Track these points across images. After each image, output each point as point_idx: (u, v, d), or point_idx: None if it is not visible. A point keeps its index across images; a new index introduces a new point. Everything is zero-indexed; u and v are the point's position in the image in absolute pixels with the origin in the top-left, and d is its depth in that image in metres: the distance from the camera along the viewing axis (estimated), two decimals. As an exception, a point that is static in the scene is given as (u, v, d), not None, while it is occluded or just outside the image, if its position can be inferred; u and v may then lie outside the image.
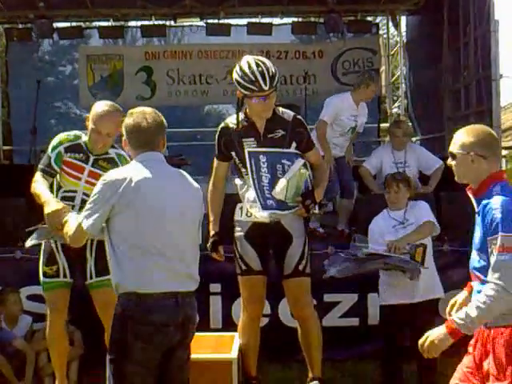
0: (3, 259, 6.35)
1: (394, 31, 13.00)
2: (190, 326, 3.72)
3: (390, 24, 12.53)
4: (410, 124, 11.26)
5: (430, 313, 5.56)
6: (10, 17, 11.77)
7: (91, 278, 4.78)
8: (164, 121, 3.85)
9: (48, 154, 4.84)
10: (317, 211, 5.15)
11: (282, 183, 4.77)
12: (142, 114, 3.79)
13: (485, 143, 3.41)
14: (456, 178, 3.49)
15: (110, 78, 12.11)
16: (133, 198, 3.59)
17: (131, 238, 3.60)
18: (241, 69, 4.80)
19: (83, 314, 4.95)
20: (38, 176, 4.80)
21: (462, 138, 3.44)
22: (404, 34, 12.60)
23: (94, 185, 4.66)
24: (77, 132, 4.94)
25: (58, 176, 4.84)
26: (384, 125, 12.78)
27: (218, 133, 5.02)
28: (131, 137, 3.79)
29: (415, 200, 5.99)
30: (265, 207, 4.77)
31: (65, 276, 4.79)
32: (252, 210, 4.85)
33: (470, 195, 3.50)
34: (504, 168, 8.84)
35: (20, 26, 11.87)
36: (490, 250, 3.32)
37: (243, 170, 4.91)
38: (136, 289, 3.58)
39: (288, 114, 4.94)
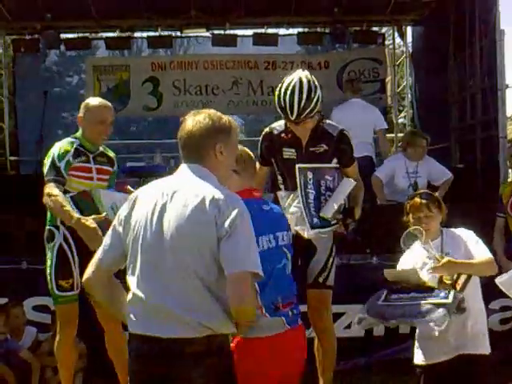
0: (9, 270, 6.36)
1: (400, 41, 13.01)
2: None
3: (396, 34, 12.54)
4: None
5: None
6: (18, 28, 11.84)
7: None
8: (222, 125, 3.28)
9: (55, 164, 4.81)
10: (352, 226, 5.03)
11: (332, 207, 4.75)
12: (188, 118, 3.28)
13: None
14: None
15: (117, 88, 12.15)
16: (128, 221, 3.17)
17: (129, 270, 3.16)
18: (278, 89, 4.75)
19: (85, 324, 4.94)
20: (52, 188, 4.67)
21: None
22: (410, 44, 12.61)
23: (103, 181, 4.86)
24: (68, 139, 4.94)
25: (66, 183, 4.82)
26: (390, 135, 12.78)
27: (261, 137, 5.02)
28: (180, 143, 3.28)
29: (449, 227, 4.67)
30: (312, 226, 4.75)
31: (77, 287, 4.77)
32: (296, 228, 4.75)
33: None
34: (510, 178, 8.79)
35: (27, 37, 11.91)
36: None
37: (279, 178, 4.92)
38: (129, 327, 3.15)
39: (334, 128, 4.88)
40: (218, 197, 3.07)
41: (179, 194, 3.12)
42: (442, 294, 4.23)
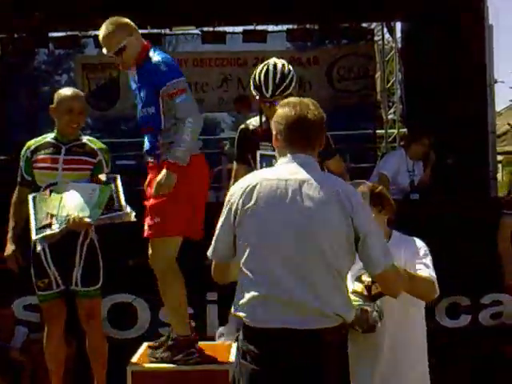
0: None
1: (389, 37, 13.03)
2: (313, 374, 2.99)
3: (385, 30, 12.56)
4: (406, 130, 11.29)
5: None
6: (6, 27, 11.77)
7: (76, 285, 4.75)
8: (324, 116, 3.21)
9: (19, 164, 4.88)
10: None
11: None
12: (305, 105, 3.14)
13: None
14: None
15: (106, 86, 12.13)
16: (246, 212, 3.05)
17: (243, 261, 3.07)
18: (254, 73, 4.79)
19: (76, 320, 4.94)
20: (14, 196, 4.87)
21: None
22: (399, 39, 12.63)
23: (72, 170, 4.75)
24: (44, 135, 4.95)
25: (35, 178, 4.80)
26: (380, 131, 12.81)
27: (237, 134, 5.00)
28: (289, 132, 3.13)
29: (399, 231, 3.97)
30: None
31: (58, 286, 4.75)
32: None
33: None
34: (499, 174, 8.83)
35: (16, 36, 11.87)
36: None
37: None
38: (246, 320, 3.07)
39: None
40: (350, 192, 3.09)
41: (309, 186, 3.04)
42: None
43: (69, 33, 12.18)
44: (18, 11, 10.92)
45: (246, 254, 3.05)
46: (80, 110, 4.82)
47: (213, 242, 3.20)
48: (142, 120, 4.55)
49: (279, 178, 3.06)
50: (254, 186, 3.07)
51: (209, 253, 3.22)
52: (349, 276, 3.81)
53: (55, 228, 4.55)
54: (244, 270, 3.06)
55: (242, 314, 3.07)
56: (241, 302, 3.07)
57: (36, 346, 5.79)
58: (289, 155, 3.13)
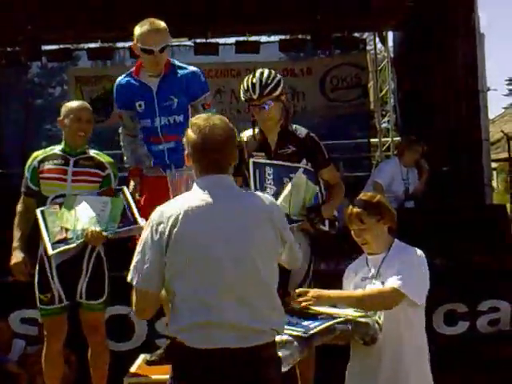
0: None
1: (381, 46, 13.08)
2: None
3: (377, 40, 12.61)
4: (400, 138, 11.31)
5: None
6: (-2, 40, 11.79)
7: (81, 297, 4.74)
8: (235, 132, 3.28)
9: (24, 174, 4.88)
10: (326, 228, 4.74)
11: (284, 193, 4.66)
12: (209, 126, 3.16)
13: None
14: None
15: (100, 99, 12.10)
16: (182, 239, 3.04)
17: (181, 288, 3.06)
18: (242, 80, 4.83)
19: (78, 335, 4.93)
20: (19, 206, 4.84)
21: None
22: (391, 49, 12.68)
23: (81, 182, 4.76)
24: (51, 146, 4.97)
25: (41, 188, 4.79)
26: (374, 140, 12.82)
27: None
28: (196, 155, 3.16)
29: (401, 239, 3.90)
30: None
31: (60, 301, 4.73)
32: None
33: None
34: (494, 181, 8.85)
35: (8, 49, 11.87)
36: None
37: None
38: (188, 343, 3.05)
39: (301, 130, 4.84)
40: (274, 207, 3.25)
41: (233, 207, 3.11)
42: (307, 325, 3.66)
43: (61, 46, 12.19)
44: (10, 24, 10.93)
45: (180, 280, 3.05)
46: (88, 119, 4.87)
47: (138, 270, 3.09)
48: (166, 128, 4.61)
49: (205, 202, 3.08)
50: (179, 214, 3.05)
51: (136, 282, 3.09)
52: (351, 286, 3.84)
53: (72, 242, 4.52)
54: (178, 296, 3.06)
55: (180, 338, 3.07)
56: (178, 327, 3.07)
57: (33, 358, 5.79)
58: (202, 177, 3.16)
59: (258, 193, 3.38)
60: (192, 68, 4.84)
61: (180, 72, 4.81)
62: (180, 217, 3.04)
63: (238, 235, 3.07)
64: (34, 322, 5.27)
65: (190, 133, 3.18)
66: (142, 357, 4.77)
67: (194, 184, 3.19)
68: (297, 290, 3.81)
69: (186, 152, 3.23)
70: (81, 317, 4.78)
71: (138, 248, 3.12)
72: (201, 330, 3.03)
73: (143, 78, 4.86)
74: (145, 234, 3.11)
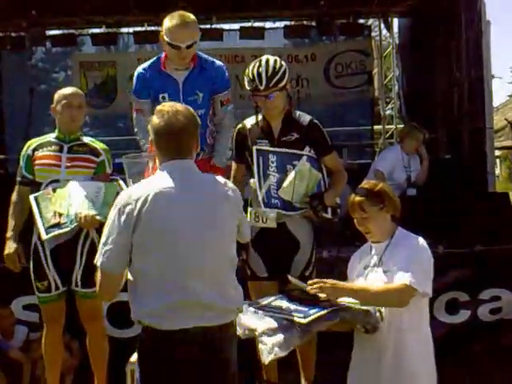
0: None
1: (387, 33, 13.03)
2: (226, 365, 3.24)
3: (382, 26, 12.56)
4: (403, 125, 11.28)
5: None
6: (3, 25, 11.76)
7: (76, 286, 4.76)
8: (198, 120, 3.40)
9: (19, 163, 4.91)
10: (328, 215, 4.77)
11: (287, 180, 4.69)
12: (173, 112, 3.26)
13: None
14: None
15: (104, 84, 12.11)
16: (150, 223, 3.11)
17: (151, 271, 3.13)
18: (247, 69, 4.81)
19: (79, 321, 4.94)
20: (14, 195, 4.86)
21: None
22: (396, 35, 12.63)
23: (75, 167, 4.77)
24: (44, 135, 4.98)
25: (35, 176, 4.81)
26: (377, 127, 12.81)
27: (234, 133, 5.00)
28: (160, 140, 3.26)
29: (404, 227, 3.86)
30: (267, 205, 4.67)
31: (57, 288, 4.76)
32: (257, 210, 4.72)
33: None
34: (498, 169, 8.83)
35: (13, 34, 11.86)
36: None
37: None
38: (158, 326, 3.14)
39: (304, 117, 4.86)
40: (234, 188, 3.40)
41: (199, 188, 3.25)
42: (306, 311, 3.63)
43: (66, 31, 12.18)
44: (15, 10, 10.91)
45: (148, 262, 3.13)
46: (79, 105, 4.86)
47: (103, 251, 3.15)
48: None
49: (171, 186, 3.17)
50: (148, 195, 3.13)
51: (101, 263, 3.16)
52: (354, 274, 3.85)
53: (66, 227, 4.55)
54: (145, 278, 3.14)
55: (148, 321, 3.15)
56: (145, 309, 3.14)
57: (35, 345, 5.81)
58: (165, 163, 3.25)
59: (217, 176, 3.46)
60: (217, 63, 4.92)
61: (206, 66, 4.87)
62: (148, 199, 3.12)
63: (203, 217, 3.19)
64: (36, 309, 5.27)
65: (155, 118, 3.28)
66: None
67: (158, 169, 3.29)
68: (314, 280, 3.77)
69: (149, 138, 3.38)
70: (78, 305, 4.81)
71: (105, 230, 3.19)
72: (170, 312, 3.11)
73: (169, 69, 4.86)
74: (111, 216, 3.18)
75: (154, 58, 4.98)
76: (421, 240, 3.75)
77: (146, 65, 4.98)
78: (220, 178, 3.43)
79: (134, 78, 4.99)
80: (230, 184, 3.46)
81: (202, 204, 3.21)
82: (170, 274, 3.13)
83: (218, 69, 4.90)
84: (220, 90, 4.89)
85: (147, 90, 4.93)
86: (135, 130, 5.09)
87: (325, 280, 3.68)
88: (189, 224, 3.15)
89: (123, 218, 3.13)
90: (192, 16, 4.86)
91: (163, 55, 4.92)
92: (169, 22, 4.80)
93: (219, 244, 3.23)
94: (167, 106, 3.32)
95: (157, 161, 3.37)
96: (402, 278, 3.58)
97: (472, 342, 6.33)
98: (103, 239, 3.18)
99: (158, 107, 3.37)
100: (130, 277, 3.23)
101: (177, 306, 3.12)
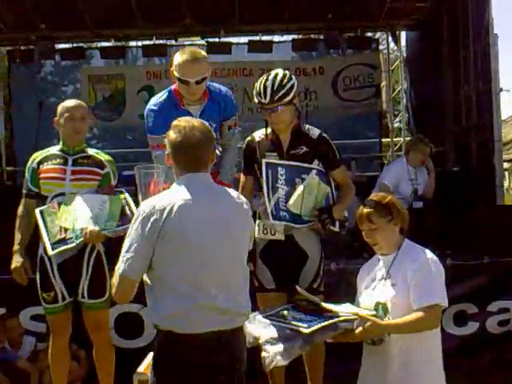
0: (6, 280, 6.34)
1: (394, 46, 13.06)
2: (237, 367, 3.38)
3: (390, 39, 12.58)
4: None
5: None
6: (12, 39, 11.86)
7: (83, 297, 4.77)
8: (214, 134, 3.58)
9: (25, 176, 4.91)
10: (336, 229, 4.79)
11: (296, 193, 4.71)
12: (190, 127, 3.41)
13: None
14: None
15: (112, 97, 12.18)
16: (169, 232, 3.25)
17: (169, 276, 3.28)
18: (256, 81, 4.86)
19: (86, 331, 4.95)
20: (20, 208, 4.86)
21: None
22: (404, 48, 12.65)
23: (80, 180, 4.78)
24: (48, 148, 4.98)
25: (40, 189, 4.82)
26: (386, 140, 12.81)
27: (244, 145, 5.02)
28: (177, 154, 3.40)
29: (412, 240, 3.81)
30: (276, 218, 4.68)
31: (64, 299, 4.77)
32: (266, 222, 4.74)
33: None
34: (506, 181, 8.82)
35: (22, 47, 11.95)
36: None
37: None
38: (175, 329, 3.27)
39: (314, 131, 4.87)
40: (246, 200, 3.55)
41: (217, 200, 3.41)
42: (310, 321, 3.64)
43: (75, 44, 12.25)
44: (24, 23, 11.00)
45: (168, 267, 3.27)
46: (81, 117, 4.85)
47: (125, 259, 3.28)
48: None
49: (190, 198, 3.31)
50: (171, 206, 3.27)
51: (122, 270, 3.27)
52: (362, 285, 3.84)
53: (71, 242, 4.56)
54: (163, 282, 3.28)
55: (166, 325, 3.27)
56: (162, 313, 3.27)
57: (43, 355, 5.82)
58: (182, 175, 3.40)
59: (229, 189, 3.62)
60: (224, 90, 5.01)
61: (216, 96, 4.92)
62: (172, 209, 3.27)
63: (220, 227, 3.35)
64: (44, 319, 5.28)
65: (171, 133, 3.42)
66: (151, 354, 4.77)
67: (176, 181, 3.42)
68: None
69: (166, 152, 3.46)
70: (84, 316, 4.82)
71: (127, 238, 3.32)
72: (186, 316, 3.25)
73: (185, 105, 4.84)
74: (134, 225, 3.31)
75: (164, 92, 4.95)
76: (428, 253, 3.71)
77: (156, 101, 4.94)
78: (233, 191, 3.59)
79: (146, 116, 4.92)
80: (242, 197, 3.59)
81: (218, 215, 3.36)
82: (188, 280, 3.26)
83: (226, 97, 4.98)
84: (228, 117, 4.98)
85: (164, 124, 4.85)
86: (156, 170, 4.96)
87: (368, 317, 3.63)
88: (207, 233, 3.31)
89: (147, 227, 3.26)
90: (203, 52, 4.90)
91: (173, 88, 4.91)
92: (179, 57, 4.81)
93: (234, 253, 3.39)
94: (183, 121, 3.45)
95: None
96: (423, 301, 3.55)
97: (480, 354, 6.31)
98: (125, 247, 3.30)
99: (174, 122, 3.48)
100: (148, 281, 3.34)
101: (192, 310, 3.25)
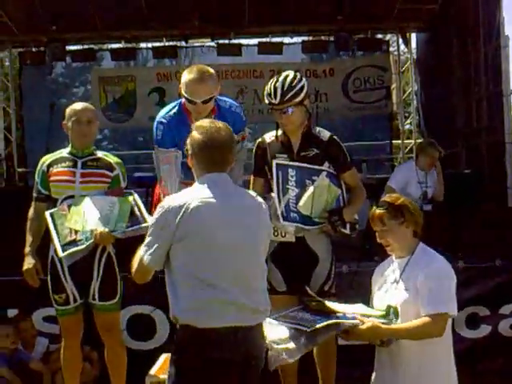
0: (19, 281, 6.36)
1: (404, 48, 13.04)
2: (253, 364, 3.43)
3: (400, 41, 12.58)
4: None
5: None
6: (24, 41, 11.92)
7: (94, 299, 4.78)
8: (235, 136, 3.69)
9: (35, 179, 4.91)
10: (347, 231, 4.78)
11: (306, 195, 4.71)
12: (215, 128, 3.49)
13: None
14: None
15: (123, 99, 12.21)
16: (191, 227, 3.35)
17: (189, 270, 3.35)
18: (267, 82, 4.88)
19: (98, 333, 4.97)
20: (30, 211, 4.87)
21: None
22: (414, 50, 12.64)
23: (90, 183, 4.79)
24: (58, 151, 4.99)
25: (51, 191, 4.83)
26: (396, 141, 12.81)
27: (254, 147, 5.03)
28: (201, 154, 3.46)
29: (425, 242, 3.77)
30: (286, 219, 4.68)
31: (75, 301, 4.78)
32: (276, 224, 4.70)
33: None
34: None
35: (33, 49, 12.01)
36: None
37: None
38: (193, 323, 3.33)
39: (324, 133, 4.87)
40: (263, 201, 3.63)
41: (236, 200, 3.49)
42: (315, 320, 3.65)
43: (85, 46, 12.30)
44: (35, 25, 11.05)
45: (188, 261, 3.36)
46: (88, 120, 4.85)
47: (152, 251, 3.40)
48: None
49: (211, 196, 3.40)
50: (191, 203, 3.36)
51: (149, 261, 3.40)
52: (376, 287, 3.84)
53: (82, 244, 4.58)
54: (182, 276, 3.37)
55: (184, 318, 3.35)
56: (181, 306, 3.35)
57: (55, 356, 5.84)
58: (203, 175, 3.47)
59: (247, 190, 3.79)
60: (234, 106, 4.97)
61: (225, 112, 4.87)
62: (191, 207, 3.35)
63: (240, 224, 3.43)
64: (56, 320, 5.30)
65: (196, 133, 3.49)
66: (163, 356, 4.79)
67: (197, 181, 3.49)
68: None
69: (189, 152, 3.52)
70: (95, 318, 4.82)
71: (149, 230, 3.44)
72: (204, 310, 3.32)
73: (192, 118, 4.79)
74: (156, 219, 3.42)
75: (174, 105, 4.94)
76: (441, 259, 3.69)
77: (165, 113, 4.94)
78: (251, 192, 3.72)
79: (156, 128, 4.91)
80: (259, 198, 3.65)
81: (238, 213, 3.45)
82: (206, 276, 3.34)
83: (234, 114, 4.92)
84: (239, 129, 4.87)
85: (173, 138, 4.86)
86: (163, 181, 4.87)
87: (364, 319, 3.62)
88: (226, 231, 3.38)
89: (167, 222, 3.36)
90: (211, 70, 4.88)
91: (183, 101, 4.88)
92: (187, 75, 4.80)
93: (253, 251, 3.47)
94: (207, 122, 3.55)
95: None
96: (431, 308, 3.52)
97: (493, 357, 6.29)
98: (147, 240, 3.42)
99: (198, 123, 3.57)
100: (168, 276, 3.43)
101: (210, 304, 3.32)
